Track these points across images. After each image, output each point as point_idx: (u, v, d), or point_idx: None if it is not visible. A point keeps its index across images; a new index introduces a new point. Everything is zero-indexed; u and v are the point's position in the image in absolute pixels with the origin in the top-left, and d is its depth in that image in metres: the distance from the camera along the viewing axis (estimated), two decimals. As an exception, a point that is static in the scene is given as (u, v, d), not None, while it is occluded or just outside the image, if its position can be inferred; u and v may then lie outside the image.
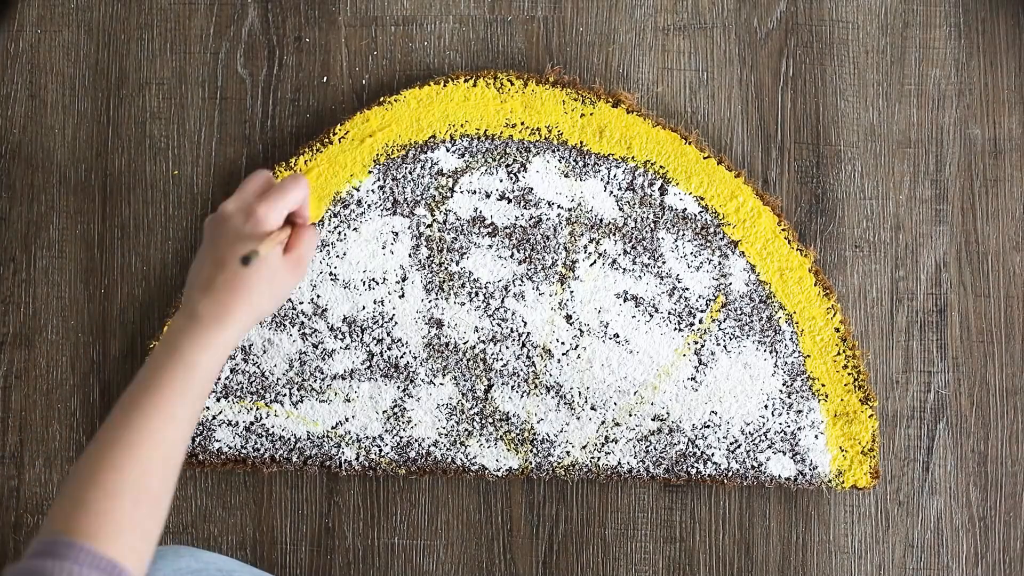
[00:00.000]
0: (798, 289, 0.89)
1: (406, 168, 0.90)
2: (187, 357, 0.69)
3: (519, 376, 0.90)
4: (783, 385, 0.89)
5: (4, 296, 0.93)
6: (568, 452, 0.90)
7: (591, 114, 0.90)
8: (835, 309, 0.89)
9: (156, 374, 0.68)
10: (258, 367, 0.90)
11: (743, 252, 0.90)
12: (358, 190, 0.90)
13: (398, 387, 0.90)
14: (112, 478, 0.64)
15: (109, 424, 0.67)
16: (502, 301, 0.90)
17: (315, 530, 0.92)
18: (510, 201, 0.90)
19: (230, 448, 0.90)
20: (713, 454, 0.89)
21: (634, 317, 0.89)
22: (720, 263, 0.89)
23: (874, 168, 0.92)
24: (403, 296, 0.90)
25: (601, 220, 0.90)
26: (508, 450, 0.90)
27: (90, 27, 0.94)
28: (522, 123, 0.90)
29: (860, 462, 0.89)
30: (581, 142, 0.90)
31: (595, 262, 0.90)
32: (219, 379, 0.90)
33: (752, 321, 0.89)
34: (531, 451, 0.90)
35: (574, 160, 0.90)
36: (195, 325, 0.71)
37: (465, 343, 0.90)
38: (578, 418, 0.89)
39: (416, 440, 0.90)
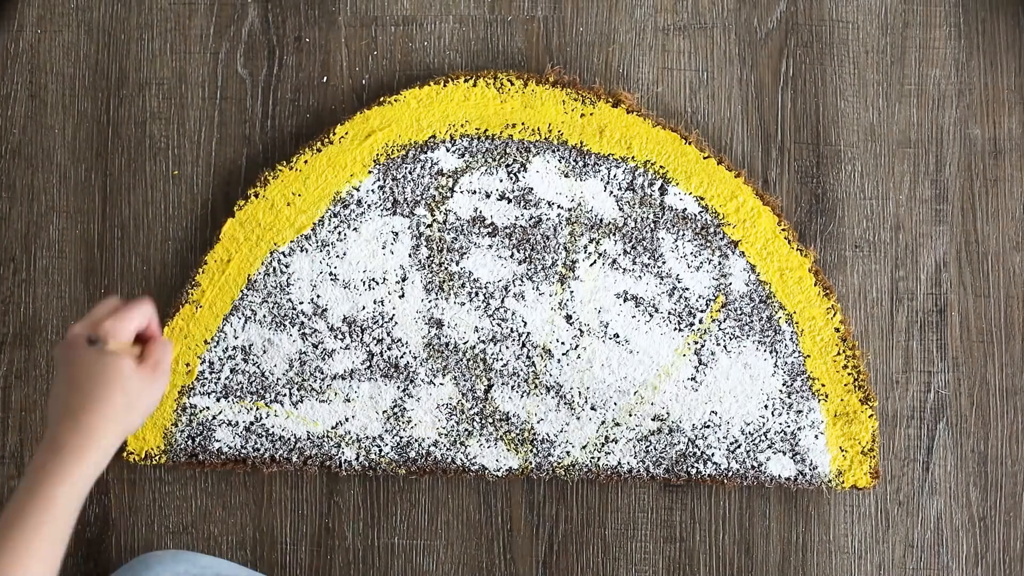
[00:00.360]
0: (798, 289, 0.89)
1: (406, 168, 0.90)
2: (48, 491, 0.67)
3: (519, 376, 0.89)
4: (783, 385, 0.89)
5: (4, 296, 0.93)
6: (568, 452, 0.90)
7: (591, 114, 0.90)
8: (835, 309, 0.89)
9: (16, 512, 0.67)
10: (258, 367, 0.90)
11: (743, 252, 0.89)
12: (358, 190, 0.90)
13: (398, 387, 0.90)
14: None
15: None
16: (502, 301, 0.90)
17: (315, 530, 0.91)
18: (510, 201, 0.90)
19: (230, 448, 0.90)
20: (713, 454, 0.89)
21: (634, 317, 0.89)
22: (720, 263, 0.89)
23: (874, 168, 0.92)
24: (403, 296, 0.90)
25: (601, 220, 0.90)
26: (508, 450, 0.90)
27: (90, 27, 0.93)
28: (522, 123, 0.90)
29: (860, 462, 0.89)
30: (581, 142, 0.90)
31: (595, 262, 0.89)
32: (219, 379, 0.90)
33: (752, 321, 0.89)
34: (531, 451, 0.90)
35: (574, 160, 0.90)
36: (56, 457, 0.68)
37: (465, 343, 0.90)
38: (578, 418, 0.89)
39: (416, 440, 0.90)
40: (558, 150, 0.90)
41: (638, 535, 0.91)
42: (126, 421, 0.71)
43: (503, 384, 0.89)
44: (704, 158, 0.90)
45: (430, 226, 0.90)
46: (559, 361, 0.89)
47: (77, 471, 0.68)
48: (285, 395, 0.90)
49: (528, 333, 0.89)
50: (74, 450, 0.68)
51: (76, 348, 0.71)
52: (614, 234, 0.89)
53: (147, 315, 0.74)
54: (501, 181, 0.90)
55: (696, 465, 0.89)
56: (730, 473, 0.89)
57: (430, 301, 0.90)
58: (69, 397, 0.70)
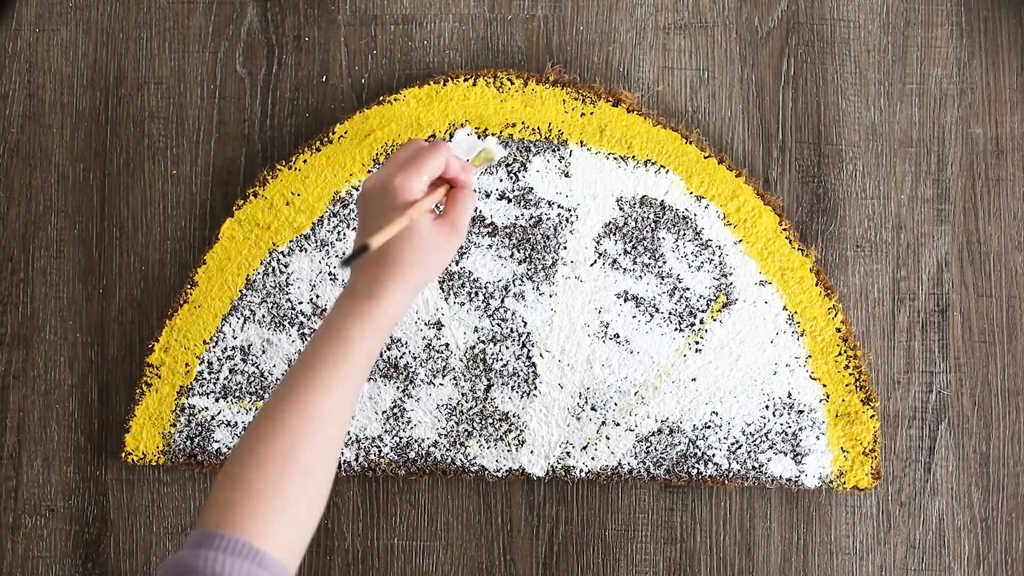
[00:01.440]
0: (799, 289, 0.89)
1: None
2: (341, 332, 0.69)
3: (519, 376, 0.89)
4: (784, 385, 0.89)
5: (2, 296, 0.93)
6: (568, 453, 0.89)
7: (591, 113, 0.90)
8: (836, 309, 0.89)
9: (312, 349, 0.69)
10: (257, 367, 0.89)
11: (744, 252, 0.89)
12: (358, 190, 0.90)
13: (397, 387, 0.89)
14: (259, 451, 0.65)
15: (268, 400, 0.68)
16: (502, 301, 0.89)
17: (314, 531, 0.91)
18: (510, 201, 0.90)
19: (229, 449, 0.90)
20: (714, 455, 0.89)
21: (635, 317, 0.89)
22: (721, 263, 0.89)
23: (875, 167, 0.92)
24: (403, 296, 0.89)
25: (601, 220, 0.89)
26: (508, 451, 0.89)
27: (88, 26, 0.93)
28: (522, 122, 0.90)
29: (861, 463, 0.88)
30: (581, 141, 0.90)
31: (595, 262, 0.89)
32: (218, 379, 0.90)
33: (753, 321, 0.89)
34: (531, 451, 0.89)
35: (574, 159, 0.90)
36: (349, 300, 0.71)
37: (465, 343, 0.89)
38: (578, 418, 0.89)
39: (416, 441, 0.89)
40: (558, 149, 0.90)
41: (639, 536, 0.91)
42: (418, 278, 0.72)
43: (503, 384, 0.89)
44: (705, 157, 0.89)
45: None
46: (559, 361, 0.89)
47: (369, 317, 0.70)
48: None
49: (528, 333, 0.89)
50: (367, 299, 0.70)
51: (368, 201, 0.72)
52: (614, 234, 0.89)
53: (439, 164, 0.73)
54: (501, 181, 0.90)
55: (697, 466, 0.89)
56: (731, 474, 0.89)
57: (430, 301, 0.89)
58: (372, 262, 0.71)
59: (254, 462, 0.65)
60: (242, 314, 0.90)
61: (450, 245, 0.74)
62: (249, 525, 0.63)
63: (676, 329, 0.89)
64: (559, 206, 0.89)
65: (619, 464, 0.89)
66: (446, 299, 0.89)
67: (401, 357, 0.89)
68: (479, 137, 0.80)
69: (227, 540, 0.62)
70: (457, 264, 0.89)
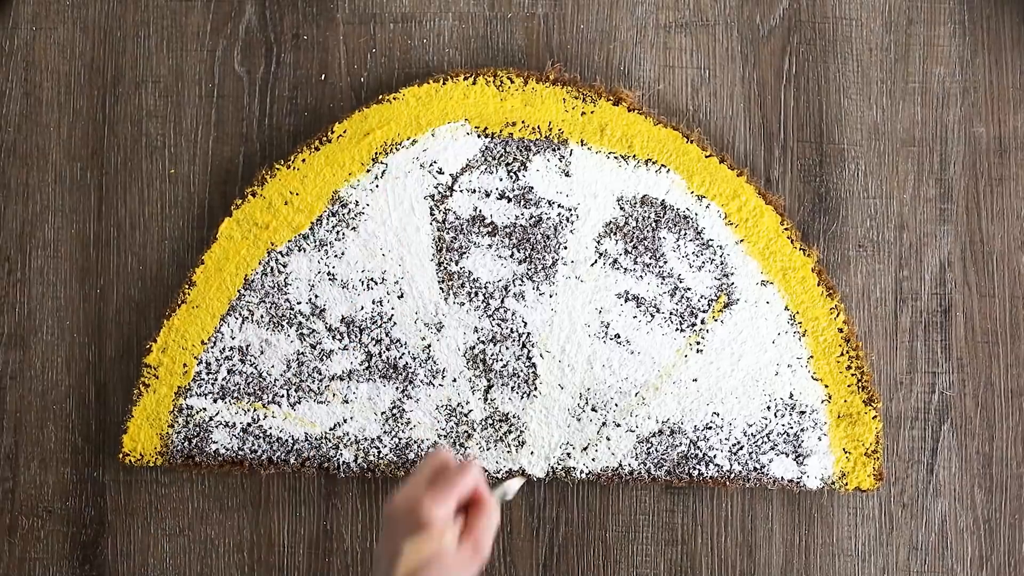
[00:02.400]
0: (801, 289, 0.89)
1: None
2: None
3: (519, 377, 0.89)
4: (786, 386, 0.88)
5: (-1, 296, 0.93)
6: (569, 454, 0.89)
7: (592, 112, 0.89)
8: (838, 309, 0.88)
9: None
10: (255, 368, 0.89)
11: (745, 252, 0.89)
12: (356, 188, 0.89)
13: (397, 388, 0.89)
14: None
15: None
16: (502, 301, 0.89)
17: (313, 532, 0.91)
18: (510, 200, 0.89)
19: (227, 450, 0.89)
20: (715, 456, 0.88)
21: (635, 317, 0.89)
22: (722, 263, 0.89)
23: (878, 167, 0.91)
24: (402, 296, 0.89)
25: (602, 219, 0.89)
26: (508, 452, 0.89)
27: (86, 24, 0.93)
28: (522, 121, 0.89)
29: (864, 464, 0.88)
30: (582, 140, 0.89)
31: (596, 262, 0.89)
32: (216, 380, 0.89)
33: (755, 321, 0.88)
34: (531, 452, 0.89)
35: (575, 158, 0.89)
36: None
37: (465, 343, 0.89)
38: (579, 419, 0.89)
39: (415, 441, 0.89)
40: (558, 149, 0.89)
41: (639, 537, 0.91)
42: None
43: (503, 385, 0.89)
44: (706, 157, 0.89)
45: (429, 225, 0.89)
46: (559, 362, 0.89)
47: None
48: (283, 396, 0.89)
49: (528, 333, 0.89)
50: None
51: (394, 521, 0.69)
52: (615, 233, 0.89)
53: (470, 484, 0.71)
54: (501, 180, 0.89)
55: (698, 467, 0.88)
56: (732, 475, 0.88)
57: (430, 301, 0.89)
58: (388, 567, 0.68)
59: None
60: (240, 314, 0.89)
61: (473, 567, 0.71)
62: None
63: (677, 329, 0.89)
64: (559, 205, 0.89)
65: (620, 465, 0.89)
66: (446, 299, 0.89)
67: (400, 358, 0.89)
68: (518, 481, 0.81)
69: None
70: (457, 264, 0.89)
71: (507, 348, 0.89)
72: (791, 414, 0.88)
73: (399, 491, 0.70)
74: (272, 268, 0.89)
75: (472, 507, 0.71)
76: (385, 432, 0.89)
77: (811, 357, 0.88)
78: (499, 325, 0.89)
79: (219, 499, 0.91)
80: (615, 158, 0.89)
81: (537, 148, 0.89)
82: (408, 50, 0.93)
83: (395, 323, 0.89)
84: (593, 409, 0.89)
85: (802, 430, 0.88)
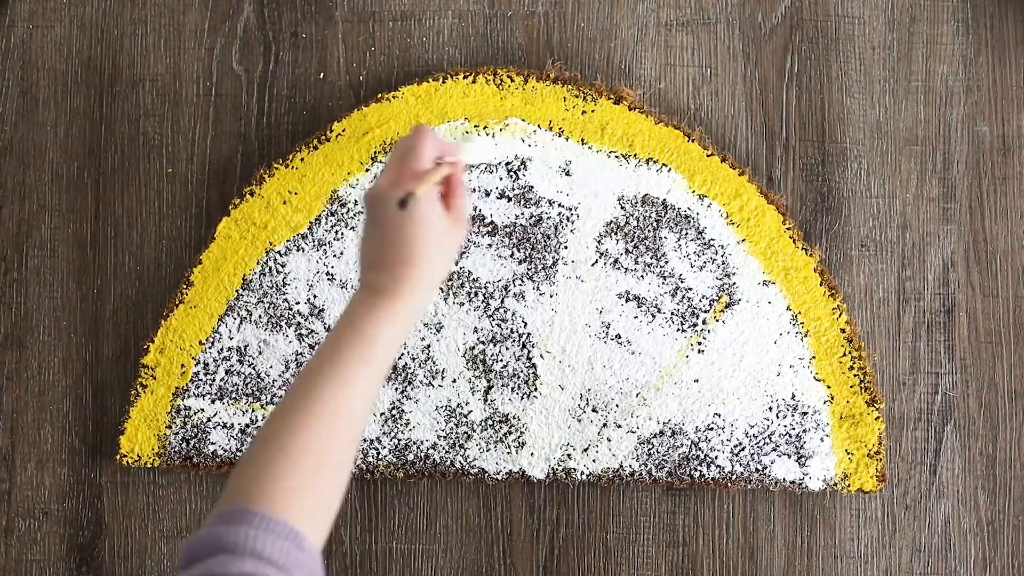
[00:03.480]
0: (803, 289, 0.88)
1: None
2: (365, 330, 0.68)
3: (519, 377, 0.88)
4: (788, 387, 0.88)
5: (-5, 296, 0.92)
6: (569, 455, 0.89)
7: (592, 111, 0.89)
8: (841, 309, 0.88)
9: (336, 345, 0.68)
10: (254, 368, 0.89)
11: (747, 251, 0.88)
12: (355, 188, 0.89)
13: (396, 389, 0.89)
14: (291, 444, 0.64)
15: (290, 394, 0.67)
16: (502, 301, 0.89)
17: (312, 534, 0.90)
18: (510, 199, 0.89)
19: (225, 451, 0.89)
20: (717, 457, 0.88)
21: (636, 318, 0.88)
22: (724, 263, 0.88)
23: (880, 166, 0.91)
24: (401, 296, 0.88)
25: (603, 219, 0.89)
26: (508, 453, 0.89)
27: (82, 22, 0.93)
28: (522, 120, 0.89)
29: (866, 465, 0.88)
30: (583, 139, 0.89)
31: (596, 262, 0.88)
32: (214, 381, 0.89)
33: (756, 322, 0.88)
34: (531, 454, 0.89)
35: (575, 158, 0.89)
36: (372, 298, 0.69)
37: (464, 344, 0.88)
38: (579, 420, 0.88)
39: (414, 443, 0.89)
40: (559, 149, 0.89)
41: (640, 539, 0.90)
42: (440, 270, 0.72)
43: (503, 386, 0.88)
44: (707, 156, 0.89)
45: (429, 225, 0.89)
46: (560, 362, 0.88)
47: (395, 316, 0.69)
48: (281, 397, 0.88)
49: (528, 334, 0.88)
50: (394, 297, 0.69)
51: (386, 206, 0.71)
52: (616, 233, 0.88)
53: (434, 145, 0.74)
54: (501, 179, 0.89)
55: (699, 468, 0.88)
56: (734, 476, 0.88)
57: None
58: (386, 251, 0.71)
59: (284, 459, 0.64)
60: (238, 314, 0.89)
61: (460, 234, 0.74)
62: (289, 508, 0.62)
63: (678, 330, 0.88)
64: (560, 205, 0.89)
65: (620, 466, 0.88)
66: (445, 299, 0.89)
67: (400, 358, 0.88)
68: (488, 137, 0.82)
69: (266, 519, 0.60)
70: (456, 264, 0.89)
71: (507, 348, 0.88)
72: (793, 415, 0.88)
73: (378, 178, 0.73)
74: (270, 268, 0.89)
75: (449, 182, 0.75)
76: (384, 433, 0.89)
77: (813, 358, 0.88)
78: (499, 325, 0.88)
79: (217, 500, 0.90)
80: (616, 157, 0.89)
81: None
82: (407, 48, 0.92)
83: (394, 323, 0.88)
84: (594, 410, 0.88)
85: (804, 431, 0.88)
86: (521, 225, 0.89)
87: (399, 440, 0.89)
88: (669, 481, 0.89)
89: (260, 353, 0.89)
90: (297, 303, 0.89)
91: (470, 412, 0.89)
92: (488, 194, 0.89)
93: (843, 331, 0.88)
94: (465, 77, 0.89)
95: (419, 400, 0.89)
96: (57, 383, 0.92)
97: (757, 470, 0.88)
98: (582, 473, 0.89)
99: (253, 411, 0.89)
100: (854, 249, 0.91)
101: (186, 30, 0.92)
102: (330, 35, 0.92)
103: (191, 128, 0.92)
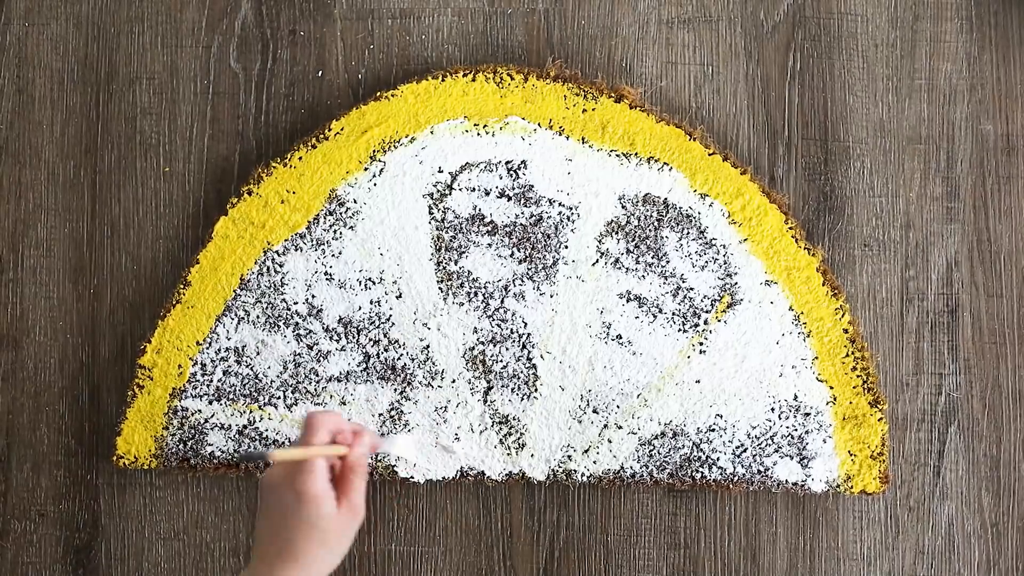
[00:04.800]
0: (806, 289, 0.88)
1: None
2: None
3: (519, 378, 0.88)
4: (790, 387, 0.87)
5: (-9, 296, 0.92)
6: (570, 456, 0.88)
7: (593, 109, 0.88)
8: (844, 310, 0.87)
9: None
10: (251, 369, 0.88)
11: (749, 251, 0.88)
12: (354, 187, 0.88)
13: (395, 389, 0.88)
14: None
15: None
16: (502, 301, 0.88)
17: (310, 536, 0.90)
18: (510, 199, 0.88)
19: (223, 452, 0.88)
20: (718, 458, 0.87)
21: (637, 318, 0.88)
22: (725, 262, 0.88)
23: (883, 165, 0.90)
24: (400, 296, 0.88)
25: (603, 218, 0.88)
26: (508, 454, 0.88)
27: (79, 20, 0.92)
28: (522, 118, 0.88)
29: (869, 466, 0.87)
30: (583, 138, 0.88)
31: (597, 261, 0.88)
32: (211, 381, 0.88)
33: (758, 322, 0.88)
34: (531, 455, 0.88)
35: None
36: None
37: (464, 344, 0.88)
38: (580, 421, 0.88)
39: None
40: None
41: (641, 541, 0.90)
42: (325, 567, 0.70)
43: (503, 386, 0.88)
44: (709, 154, 0.88)
45: (428, 224, 0.88)
46: (560, 363, 0.88)
47: None
48: (279, 398, 0.88)
49: (528, 334, 0.88)
50: None
51: (279, 495, 0.70)
52: (617, 233, 0.88)
53: (333, 424, 0.71)
54: (501, 178, 0.88)
55: (701, 469, 0.87)
56: (736, 478, 0.87)
57: (428, 301, 0.88)
58: (270, 541, 0.70)
59: None
60: (236, 314, 0.88)
61: (352, 528, 0.72)
62: None
63: (680, 330, 0.88)
64: (560, 204, 0.88)
65: (621, 468, 0.88)
66: (444, 299, 0.88)
67: (399, 359, 0.88)
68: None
69: None
70: (456, 263, 0.88)
71: (507, 349, 0.88)
72: (795, 416, 0.87)
73: (275, 454, 0.70)
74: (268, 268, 0.88)
75: (344, 468, 0.72)
76: (383, 434, 0.88)
77: (816, 358, 0.87)
78: (499, 326, 0.88)
79: (214, 502, 0.90)
80: (617, 156, 0.88)
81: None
82: (406, 46, 0.92)
83: (393, 324, 0.88)
84: (594, 411, 0.88)
85: (807, 432, 0.87)
86: (521, 224, 0.88)
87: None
88: (670, 483, 0.88)
89: (258, 354, 0.88)
90: (295, 303, 0.88)
91: (470, 413, 0.88)
92: (488, 193, 0.88)
93: (846, 331, 0.87)
94: (465, 75, 0.89)
95: (418, 401, 0.88)
96: (53, 384, 0.91)
97: (759, 472, 0.87)
98: (583, 475, 0.88)
99: (251, 412, 0.88)
100: (857, 249, 0.90)
101: (183, 28, 0.92)
102: (329, 33, 0.92)
103: (188, 127, 0.92)
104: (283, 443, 0.88)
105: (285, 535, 0.69)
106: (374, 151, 0.89)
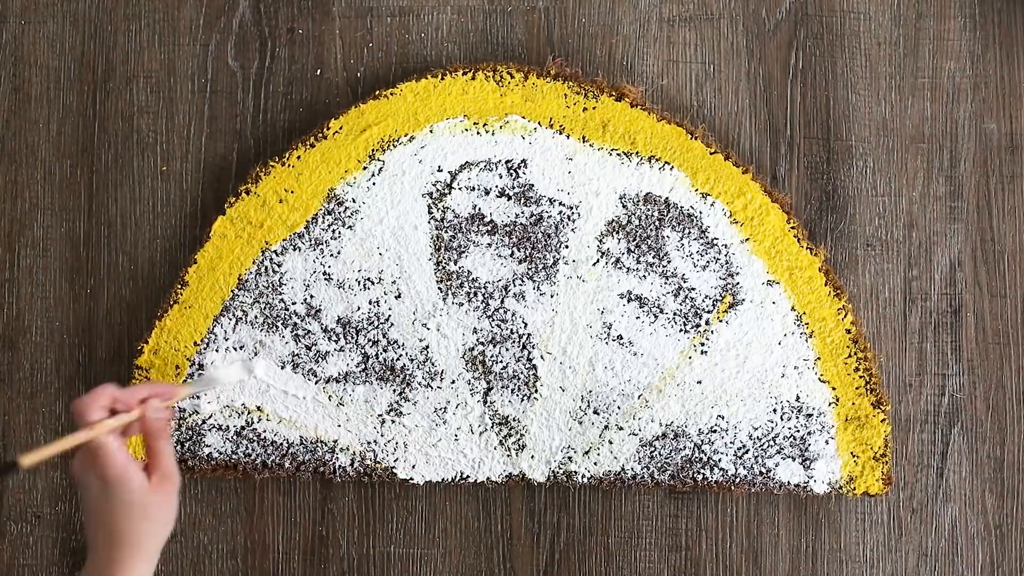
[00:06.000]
0: (808, 289, 0.87)
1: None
2: None
3: (519, 379, 0.87)
4: (792, 388, 0.87)
5: (-13, 296, 0.91)
6: (570, 457, 0.88)
7: (594, 108, 0.88)
8: (846, 310, 0.87)
9: None
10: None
11: (751, 251, 0.87)
12: (353, 186, 0.88)
13: (394, 390, 0.87)
14: None
15: None
16: (502, 301, 0.87)
17: (308, 538, 0.90)
18: (510, 198, 0.88)
19: (220, 454, 0.88)
20: (720, 460, 0.87)
21: (638, 318, 0.87)
22: (727, 262, 0.87)
23: (886, 164, 0.90)
24: (399, 296, 0.87)
25: (604, 218, 0.87)
26: (508, 455, 0.88)
27: (76, 18, 0.92)
28: (522, 117, 0.88)
29: (872, 468, 0.86)
30: (584, 137, 0.88)
31: (598, 261, 0.87)
32: (209, 382, 0.88)
33: (760, 322, 0.87)
34: (531, 456, 0.87)
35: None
36: None
37: (463, 345, 0.87)
38: (580, 422, 0.87)
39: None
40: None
41: (642, 543, 0.89)
42: (154, 542, 0.70)
43: (503, 387, 0.87)
44: (711, 153, 0.88)
45: (427, 224, 0.88)
46: (560, 363, 0.87)
47: None
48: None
49: (528, 335, 0.87)
50: None
51: (82, 483, 0.69)
52: (618, 232, 0.87)
53: (105, 397, 0.70)
54: (501, 177, 0.88)
55: (702, 471, 0.87)
56: (737, 479, 0.87)
57: (427, 301, 0.88)
58: (95, 532, 0.69)
59: None
60: (234, 315, 0.88)
61: (171, 495, 0.71)
62: None
63: (681, 330, 0.87)
64: (560, 203, 0.88)
65: (622, 469, 0.87)
66: (444, 299, 0.87)
67: (398, 359, 0.87)
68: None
69: None
70: (456, 263, 0.87)
71: (507, 349, 0.87)
72: (798, 417, 0.87)
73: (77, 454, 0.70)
74: (267, 268, 0.88)
75: (145, 436, 0.71)
76: (382, 435, 0.88)
77: (818, 359, 0.87)
78: (499, 326, 0.87)
79: (212, 504, 0.90)
80: (617, 155, 0.88)
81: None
82: (406, 44, 0.91)
83: (392, 324, 0.87)
84: (595, 412, 0.87)
85: (809, 433, 0.87)
86: (521, 224, 0.88)
87: (396, 442, 0.88)
88: (671, 484, 0.88)
89: (256, 354, 0.88)
90: (293, 303, 0.88)
91: (469, 414, 0.88)
92: (488, 192, 0.88)
93: (848, 332, 0.87)
94: (464, 74, 0.88)
95: (417, 402, 0.88)
96: (50, 384, 0.90)
97: (761, 473, 0.87)
98: (583, 476, 0.88)
99: (248, 413, 0.88)
100: (859, 248, 0.90)
101: (181, 26, 0.91)
102: (327, 31, 0.91)
103: (186, 125, 0.91)
104: (280, 444, 0.88)
105: (106, 522, 0.68)
106: (373, 150, 0.88)
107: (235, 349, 0.87)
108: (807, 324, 0.87)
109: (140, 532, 0.68)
